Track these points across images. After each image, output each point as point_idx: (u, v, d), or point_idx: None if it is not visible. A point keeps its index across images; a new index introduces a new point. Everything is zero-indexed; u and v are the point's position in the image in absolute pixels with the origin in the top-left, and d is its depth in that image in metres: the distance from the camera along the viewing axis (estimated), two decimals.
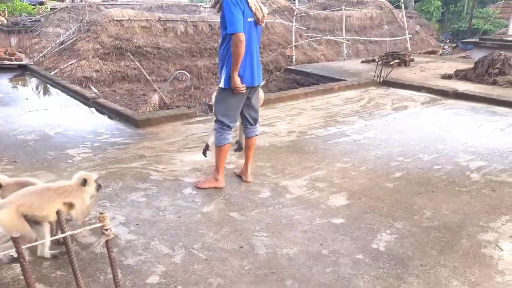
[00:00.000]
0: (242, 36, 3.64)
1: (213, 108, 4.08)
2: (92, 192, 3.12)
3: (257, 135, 4.28)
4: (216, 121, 4.03)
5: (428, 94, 8.33)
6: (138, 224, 3.50)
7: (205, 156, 4.53)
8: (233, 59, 3.72)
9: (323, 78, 9.91)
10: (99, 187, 3.17)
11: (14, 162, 4.81)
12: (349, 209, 3.81)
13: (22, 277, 2.76)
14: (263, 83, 4.11)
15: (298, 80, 10.61)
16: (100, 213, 1.20)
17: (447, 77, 9.71)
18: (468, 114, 6.98)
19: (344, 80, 9.31)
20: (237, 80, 3.76)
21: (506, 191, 4.17)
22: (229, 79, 3.82)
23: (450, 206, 3.87)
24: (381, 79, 9.18)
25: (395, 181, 4.39)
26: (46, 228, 2.89)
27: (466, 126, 6.33)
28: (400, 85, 8.90)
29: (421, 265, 3.02)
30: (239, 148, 4.86)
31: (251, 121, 4.18)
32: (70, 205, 2.95)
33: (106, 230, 1.22)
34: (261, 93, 4.60)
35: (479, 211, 3.79)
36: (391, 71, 9.47)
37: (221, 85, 3.90)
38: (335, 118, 6.73)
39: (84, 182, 3.06)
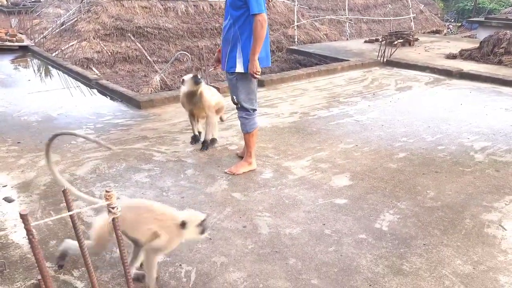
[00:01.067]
0: (266, 16, 3.58)
1: (235, 96, 3.90)
2: (191, 236, 2.48)
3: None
4: (240, 108, 3.93)
5: (432, 74, 8.26)
6: None
7: (192, 144, 4.71)
8: (256, 42, 3.55)
9: (325, 58, 9.82)
10: (203, 231, 2.47)
11: (18, 143, 4.82)
12: (352, 189, 3.82)
13: (29, 255, 2.80)
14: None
15: (301, 61, 10.52)
16: (107, 191, 1.20)
17: (452, 57, 9.61)
18: (472, 94, 6.92)
19: (347, 60, 9.22)
20: (257, 64, 3.63)
21: (510, 171, 4.16)
22: (247, 62, 3.67)
23: (454, 186, 3.87)
24: (385, 59, 9.10)
25: (398, 162, 4.38)
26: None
27: (470, 106, 6.29)
28: (404, 65, 8.82)
29: (424, 244, 3.03)
30: (194, 141, 4.82)
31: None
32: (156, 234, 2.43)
33: (113, 208, 1.22)
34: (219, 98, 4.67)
35: (482, 191, 3.79)
36: (394, 51, 9.37)
37: (239, 69, 3.73)
38: (338, 98, 6.69)
39: (183, 225, 2.42)
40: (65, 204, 1.33)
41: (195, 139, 4.81)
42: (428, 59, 9.42)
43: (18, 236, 3.03)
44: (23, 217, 1.04)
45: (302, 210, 3.47)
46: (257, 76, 3.70)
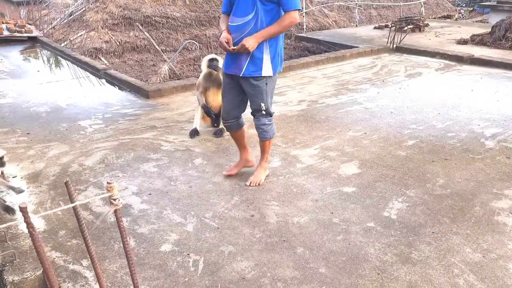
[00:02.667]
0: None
1: (262, 104, 3.39)
2: None
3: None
4: (265, 115, 3.47)
5: (442, 60, 8.13)
6: (150, 194, 3.54)
7: (192, 138, 4.69)
8: (277, 30, 3.17)
9: (334, 45, 9.72)
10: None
11: (27, 134, 4.86)
12: (360, 177, 3.80)
13: None
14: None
15: (309, 48, 10.42)
16: (108, 183, 1.20)
17: (463, 42, 9.45)
18: (483, 80, 6.81)
19: (356, 47, 9.12)
20: (255, 45, 3.18)
21: None
22: (276, 64, 3.32)
23: (464, 174, 3.83)
24: (394, 45, 8.97)
25: (407, 149, 4.34)
26: None
27: (481, 92, 6.19)
28: (414, 51, 8.70)
29: (433, 232, 3.01)
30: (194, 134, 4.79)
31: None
32: None
33: (115, 200, 1.22)
34: None
35: (493, 179, 3.74)
36: (404, 37, 9.24)
37: (268, 72, 3.28)
38: (346, 86, 6.62)
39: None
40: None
41: (195, 132, 4.75)
42: (438, 44, 9.27)
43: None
44: (23, 210, 1.04)
45: (310, 199, 3.46)
46: (234, 49, 3.19)
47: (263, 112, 3.44)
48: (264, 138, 3.60)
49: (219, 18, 11.53)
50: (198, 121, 4.81)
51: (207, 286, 2.52)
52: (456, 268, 2.66)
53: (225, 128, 4.17)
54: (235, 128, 3.67)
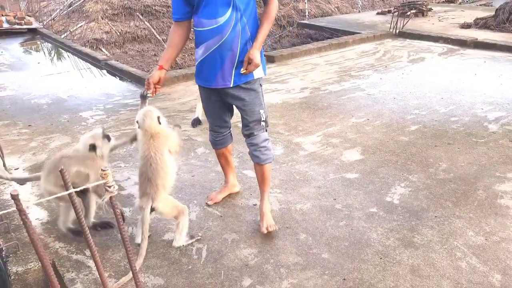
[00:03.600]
0: None
1: (261, 111, 2.84)
2: (106, 151, 2.77)
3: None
4: (266, 124, 2.89)
5: (446, 45, 8.06)
6: None
7: (194, 127, 4.65)
8: (269, 25, 2.69)
9: (337, 32, 9.64)
10: (109, 138, 2.82)
11: (29, 126, 4.87)
12: (363, 163, 3.79)
13: (42, 236, 2.86)
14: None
15: (312, 35, 10.35)
16: (102, 170, 1.19)
17: (466, 26, 9.34)
18: (487, 64, 6.74)
19: (358, 33, 9.04)
20: (259, 56, 2.67)
21: None
22: (264, 60, 2.82)
23: (467, 158, 3.81)
24: (397, 31, 8.89)
25: (410, 135, 4.32)
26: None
27: (485, 76, 6.13)
28: (417, 36, 8.61)
29: (435, 216, 3.00)
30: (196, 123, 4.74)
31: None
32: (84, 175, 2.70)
33: (109, 187, 1.22)
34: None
35: (496, 162, 3.72)
36: (407, 22, 9.14)
37: (260, 73, 2.76)
38: (349, 72, 6.58)
39: (94, 148, 2.70)
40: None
41: (197, 122, 4.74)
42: (441, 29, 9.17)
43: (30, 217, 3.07)
44: (14, 197, 1.04)
45: (313, 186, 3.45)
46: (251, 69, 2.64)
47: (263, 123, 2.84)
48: (267, 159, 2.92)
49: None
50: (200, 111, 4.79)
51: (210, 274, 2.54)
52: (458, 251, 2.66)
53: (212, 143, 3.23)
54: (227, 143, 3.14)
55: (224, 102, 2.88)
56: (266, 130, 2.90)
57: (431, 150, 3.98)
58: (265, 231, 2.85)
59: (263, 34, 2.66)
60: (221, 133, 3.07)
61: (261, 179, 2.99)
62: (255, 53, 2.60)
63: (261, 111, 2.83)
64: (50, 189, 2.64)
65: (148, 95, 2.83)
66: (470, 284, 2.39)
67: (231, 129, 3.13)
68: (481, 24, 9.22)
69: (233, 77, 2.69)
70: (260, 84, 2.82)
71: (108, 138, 2.78)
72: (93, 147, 2.67)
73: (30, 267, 2.57)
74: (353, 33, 9.10)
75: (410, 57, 7.32)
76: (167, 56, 2.85)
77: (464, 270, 2.50)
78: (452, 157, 3.83)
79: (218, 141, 3.11)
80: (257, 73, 2.74)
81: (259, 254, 2.68)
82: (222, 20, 2.54)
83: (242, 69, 2.64)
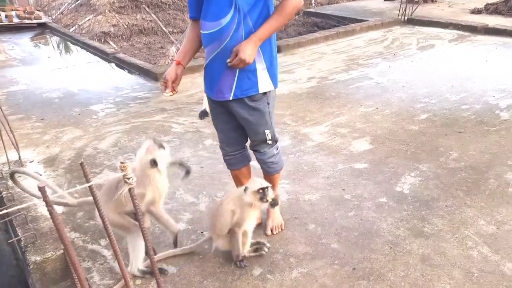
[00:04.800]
0: None
1: (267, 131, 2.54)
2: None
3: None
4: (274, 141, 2.62)
5: (456, 31, 7.94)
6: None
7: (201, 119, 4.59)
8: (279, 23, 2.29)
9: (344, 20, 9.55)
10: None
11: (42, 119, 4.92)
12: (372, 153, 3.78)
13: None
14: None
15: (318, 23, 10.25)
16: (122, 162, 1.22)
17: (477, 11, 9.20)
18: (498, 50, 6.65)
19: (366, 20, 8.94)
20: (255, 52, 2.26)
21: None
22: (275, 75, 2.45)
23: (478, 146, 3.78)
24: (406, 18, 8.78)
25: (420, 123, 4.29)
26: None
27: (496, 62, 6.05)
28: (426, 23, 8.50)
29: (446, 206, 3.00)
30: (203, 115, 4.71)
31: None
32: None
33: (128, 179, 1.24)
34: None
35: (508, 150, 3.69)
36: (416, 8, 9.02)
37: (267, 87, 2.41)
38: (357, 61, 6.53)
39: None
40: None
41: (204, 113, 4.74)
42: (451, 15, 9.04)
43: (46, 209, 3.14)
44: (41, 189, 1.07)
45: (321, 176, 3.46)
46: (235, 63, 2.22)
47: (268, 142, 2.57)
48: (274, 171, 2.75)
49: None
50: (207, 102, 4.80)
51: (220, 263, 2.57)
52: (470, 240, 2.65)
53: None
54: (239, 164, 2.78)
55: (231, 117, 2.54)
56: (276, 143, 2.65)
57: (441, 139, 3.96)
58: (269, 233, 2.78)
59: (266, 27, 2.22)
60: (230, 152, 2.73)
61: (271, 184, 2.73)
62: (246, 46, 2.18)
63: (267, 132, 2.52)
64: (111, 217, 2.28)
65: (166, 95, 2.59)
66: (482, 273, 2.40)
67: (242, 152, 2.76)
68: (492, 9, 9.07)
69: (233, 89, 2.35)
70: (267, 103, 2.45)
71: (162, 146, 2.42)
72: (154, 162, 2.31)
73: (48, 256, 2.63)
74: (361, 20, 9.01)
75: (419, 44, 7.24)
76: (185, 50, 2.54)
77: (476, 259, 2.50)
78: (463, 146, 3.80)
79: (228, 161, 2.79)
80: (263, 86, 2.38)
81: (268, 243, 2.70)
82: (220, 24, 2.24)
83: (228, 60, 2.25)
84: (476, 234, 2.71)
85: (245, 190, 2.39)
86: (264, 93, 2.41)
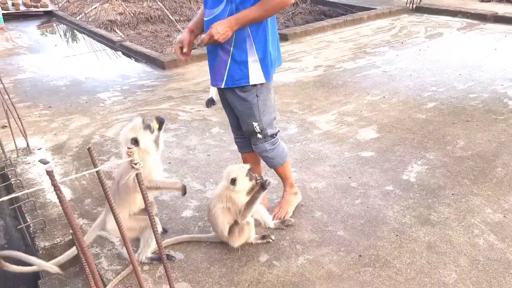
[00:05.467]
0: None
1: (255, 124, 2.55)
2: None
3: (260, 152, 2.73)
4: (262, 139, 2.62)
5: (465, 19, 7.85)
6: (170, 163, 3.60)
7: (208, 107, 4.61)
8: (265, 12, 2.27)
9: (352, 8, 9.46)
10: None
11: (49, 107, 4.95)
12: (379, 142, 3.77)
13: None
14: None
15: (326, 11, 10.17)
16: (128, 147, 1.23)
17: (486, 0, 9.08)
18: (508, 39, 6.56)
19: (374, 8, 8.86)
20: (230, 32, 2.27)
21: None
22: (268, 67, 2.43)
23: (485, 135, 3.76)
24: (414, 5, 8.68)
25: (427, 112, 4.27)
26: None
27: (505, 51, 5.98)
28: (435, 11, 8.41)
29: (452, 194, 3.00)
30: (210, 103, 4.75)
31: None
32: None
33: (135, 164, 1.26)
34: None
35: None
36: None
37: (258, 79, 2.42)
38: (364, 49, 6.48)
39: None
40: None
41: (211, 102, 4.76)
42: (460, 3, 8.92)
43: (54, 196, 3.18)
44: (49, 173, 1.08)
45: (328, 164, 3.47)
46: (204, 39, 2.30)
47: (259, 136, 2.60)
48: (272, 166, 2.80)
49: None
50: (214, 91, 4.81)
51: (228, 250, 2.59)
52: (476, 228, 2.66)
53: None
54: (248, 148, 2.81)
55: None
56: (271, 139, 2.64)
57: (448, 127, 3.94)
58: (274, 221, 2.76)
59: (245, 12, 2.24)
60: (239, 136, 2.82)
61: (280, 177, 2.92)
62: (219, 23, 2.23)
63: (255, 124, 2.53)
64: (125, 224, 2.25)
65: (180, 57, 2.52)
66: (488, 261, 2.40)
67: None
68: None
69: (225, 78, 2.42)
70: (256, 95, 2.45)
71: (149, 127, 2.44)
72: (135, 141, 2.35)
73: (56, 242, 2.67)
74: (368, 8, 8.92)
75: (428, 32, 7.16)
76: (197, 21, 2.55)
77: (482, 247, 2.51)
78: (470, 135, 3.79)
79: (238, 143, 2.88)
80: (254, 78, 2.39)
81: (274, 231, 2.73)
82: (214, 12, 2.31)
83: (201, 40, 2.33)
84: (482, 222, 2.71)
85: (233, 182, 2.44)
86: (255, 85, 2.43)
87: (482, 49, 6.13)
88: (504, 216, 2.75)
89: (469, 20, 7.76)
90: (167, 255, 2.52)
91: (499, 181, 3.11)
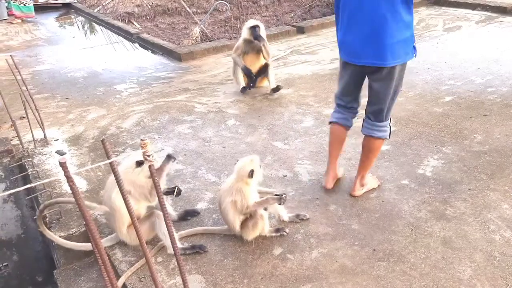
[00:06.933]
0: None
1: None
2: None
3: (377, 137, 2.88)
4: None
5: (484, 12, 7.69)
6: (185, 155, 3.63)
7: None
8: None
9: None
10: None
11: (66, 98, 5.03)
12: (395, 135, 3.73)
13: None
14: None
15: None
16: (142, 139, 1.25)
17: None
18: None
19: None
20: None
21: None
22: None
23: (504, 130, 3.70)
24: None
25: (444, 106, 4.21)
26: None
27: None
28: (453, 4, 8.25)
29: (469, 189, 2.96)
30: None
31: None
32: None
33: (148, 156, 1.27)
34: None
35: None
36: None
37: (409, 57, 2.69)
38: None
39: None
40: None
41: (245, 89, 4.81)
42: None
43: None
44: (62, 165, 1.10)
45: (343, 157, 3.45)
46: None
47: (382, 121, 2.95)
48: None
49: None
50: (242, 80, 4.81)
51: (242, 243, 2.61)
52: (492, 224, 2.63)
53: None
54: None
55: None
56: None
57: (466, 121, 3.89)
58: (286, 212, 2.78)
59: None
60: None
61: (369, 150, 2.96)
62: None
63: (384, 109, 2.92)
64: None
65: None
66: (504, 257, 2.38)
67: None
68: None
69: (382, 53, 2.61)
70: (398, 74, 2.73)
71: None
72: (139, 163, 2.44)
73: (72, 233, 2.72)
74: None
75: (446, 25, 7.04)
76: None
77: (498, 243, 2.48)
78: (488, 129, 3.73)
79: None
80: (406, 55, 2.69)
81: (289, 224, 2.73)
82: None
83: None
84: (499, 218, 2.67)
85: (251, 174, 2.48)
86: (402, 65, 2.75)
87: (501, 42, 6.00)
88: None
89: (488, 13, 7.60)
90: (200, 246, 2.57)
91: None
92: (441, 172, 3.17)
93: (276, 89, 4.70)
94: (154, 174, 1.31)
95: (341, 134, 3.04)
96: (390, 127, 2.90)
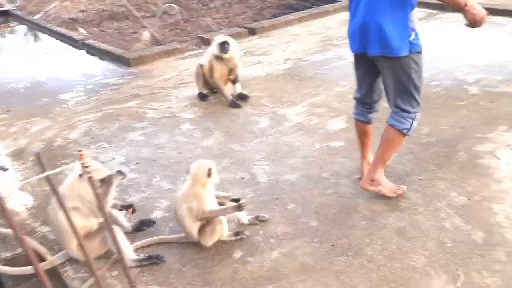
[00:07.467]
0: None
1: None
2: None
3: (391, 124, 2.86)
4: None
5: (425, 9, 7.99)
6: (138, 163, 3.54)
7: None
8: None
9: (318, 1, 9.51)
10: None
11: (7, 111, 4.78)
12: (348, 132, 3.81)
13: (28, 221, 2.84)
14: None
15: (294, 5, 10.18)
16: (78, 150, 1.21)
17: None
18: (467, 27, 6.73)
19: (339, 1, 8.93)
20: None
21: (504, 102, 4.12)
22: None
23: (448, 121, 3.86)
24: None
25: None
26: None
27: (465, 39, 6.14)
28: None
29: (419, 179, 3.06)
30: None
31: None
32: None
33: (86, 167, 1.23)
34: None
35: (476, 124, 3.77)
36: None
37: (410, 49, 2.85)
38: (331, 41, 6.53)
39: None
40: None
41: (203, 96, 4.68)
42: None
43: (15, 203, 3.08)
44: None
45: (300, 156, 3.48)
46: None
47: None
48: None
49: None
50: (227, 93, 4.62)
51: (200, 249, 2.56)
52: (442, 212, 2.73)
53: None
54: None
55: None
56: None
57: None
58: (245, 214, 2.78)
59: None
60: None
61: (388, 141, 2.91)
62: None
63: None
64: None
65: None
66: (454, 243, 2.47)
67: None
68: None
69: (395, 41, 2.86)
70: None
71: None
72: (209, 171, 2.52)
73: (18, 252, 2.57)
74: (334, 1, 8.99)
75: None
76: None
77: (448, 230, 2.57)
78: (434, 121, 3.87)
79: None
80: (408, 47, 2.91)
81: (248, 227, 2.72)
82: None
83: None
84: (448, 205, 2.78)
85: (209, 173, 2.49)
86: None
87: (443, 38, 6.27)
88: (468, 199, 2.83)
89: (429, 10, 7.90)
90: (156, 256, 2.50)
91: (463, 165, 3.20)
92: (393, 165, 3.26)
93: (244, 96, 4.59)
94: (94, 186, 1.26)
95: (363, 129, 3.12)
96: (411, 122, 2.81)
